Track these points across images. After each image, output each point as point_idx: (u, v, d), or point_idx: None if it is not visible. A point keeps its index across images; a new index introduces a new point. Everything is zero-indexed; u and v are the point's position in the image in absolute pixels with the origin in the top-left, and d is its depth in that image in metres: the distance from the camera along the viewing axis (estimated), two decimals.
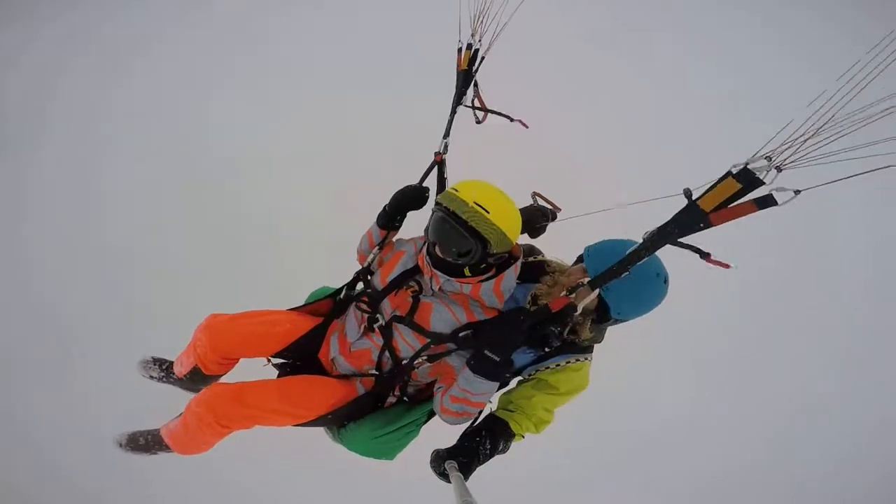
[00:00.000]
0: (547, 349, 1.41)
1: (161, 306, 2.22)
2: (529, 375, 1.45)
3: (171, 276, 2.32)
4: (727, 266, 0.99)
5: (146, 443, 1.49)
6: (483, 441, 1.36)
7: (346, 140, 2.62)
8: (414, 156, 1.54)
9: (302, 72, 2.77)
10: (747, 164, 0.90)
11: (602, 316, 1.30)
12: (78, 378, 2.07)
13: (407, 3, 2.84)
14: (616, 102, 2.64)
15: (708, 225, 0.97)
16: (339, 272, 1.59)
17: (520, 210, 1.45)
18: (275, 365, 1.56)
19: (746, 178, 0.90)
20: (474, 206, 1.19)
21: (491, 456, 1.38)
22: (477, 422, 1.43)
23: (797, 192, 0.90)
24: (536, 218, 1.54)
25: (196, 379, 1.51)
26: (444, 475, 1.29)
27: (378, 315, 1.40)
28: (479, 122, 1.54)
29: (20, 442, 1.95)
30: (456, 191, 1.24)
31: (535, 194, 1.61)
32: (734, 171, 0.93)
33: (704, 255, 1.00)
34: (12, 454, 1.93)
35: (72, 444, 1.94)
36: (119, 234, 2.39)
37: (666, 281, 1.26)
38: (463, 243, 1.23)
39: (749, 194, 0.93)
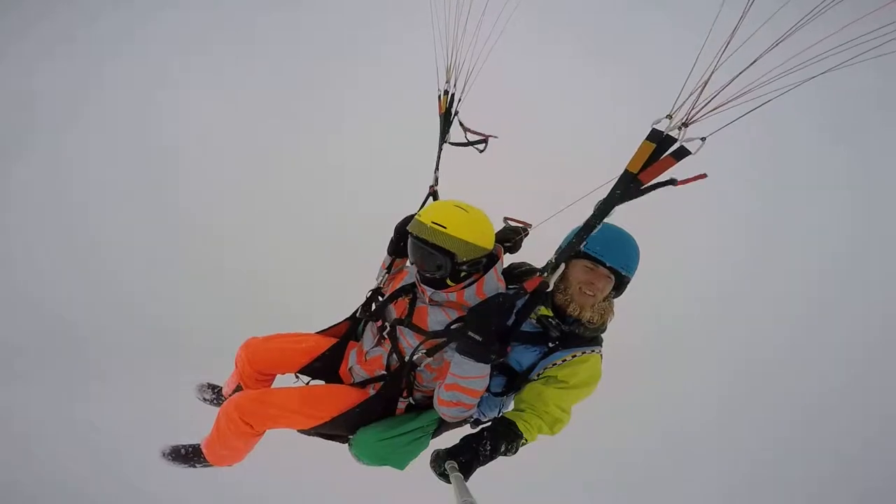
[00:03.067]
0: (550, 344, 1.44)
1: (158, 308, 2.44)
2: (538, 375, 1.45)
3: (171, 279, 2.56)
4: (702, 176, 1.05)
5: (187, 454, 1.65)
6: (484, 441, 1.34)
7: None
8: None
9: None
10: (653, 126, 1.05)
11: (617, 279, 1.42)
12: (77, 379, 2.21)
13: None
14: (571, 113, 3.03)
15: (639, 183, 1.09)
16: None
17: (495, 232, 1.61)
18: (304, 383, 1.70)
19: (655, 137, 1.04)
20: (432, 225, 1.37)
21: (492, 457, 1.34)
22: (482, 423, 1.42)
23: (703, 139, 1.02)
24: (509, 236, 1.69)
25: None
26: (444, 475, 1.27)
27: (386, 323, 1.55)
28: (481, 151, 1.77)
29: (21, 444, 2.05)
30: (419, 216, 1.42)
31: (505, 219, 1.78)
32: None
33: (674, 182, 1.08)
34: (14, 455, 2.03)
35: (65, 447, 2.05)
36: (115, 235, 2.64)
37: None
38: (432, 259, 1.38)
39: (669, 150, 1.06)
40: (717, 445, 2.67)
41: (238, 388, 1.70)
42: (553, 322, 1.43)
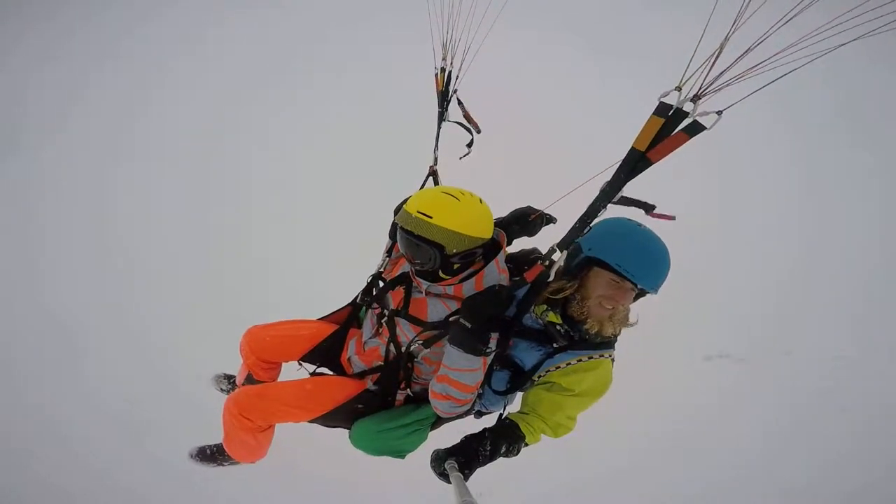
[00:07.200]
0: (555, 345, 1.36)
1: (165, 308, 2.46)
2: (539, 377, 1.37)
3: (176, 281, 2.57)
4: (671, 217, 1.03)
5: (212, 454, 1.67)
6: (484, 442, 1.28)
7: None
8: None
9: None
10: (660, 99, 0.97)
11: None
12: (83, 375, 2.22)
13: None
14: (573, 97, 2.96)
15: (647, 163, 1.01)
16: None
17: (512, 211, 1.55)
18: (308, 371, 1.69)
19: (663, 111, 0.96)
20: (417, 215, 1.26)
21: (493, 458, 1.28)
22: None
23: (720, 112, 0.94)
24: (525, 214, 1.54)
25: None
26: (444, 475, 1.22)
27: (385, 311, 1.50)
28: (470, 141, 1.76)
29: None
30: (406, 205, 1.32)
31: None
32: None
33: (649, 210, 1.06)
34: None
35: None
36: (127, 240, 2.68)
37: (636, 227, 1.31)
38: (419, 251, 1.29)
39: (680, 125, 0.98)
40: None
41: (249, 377, 1.68)
42: (561, 330, 1.32)
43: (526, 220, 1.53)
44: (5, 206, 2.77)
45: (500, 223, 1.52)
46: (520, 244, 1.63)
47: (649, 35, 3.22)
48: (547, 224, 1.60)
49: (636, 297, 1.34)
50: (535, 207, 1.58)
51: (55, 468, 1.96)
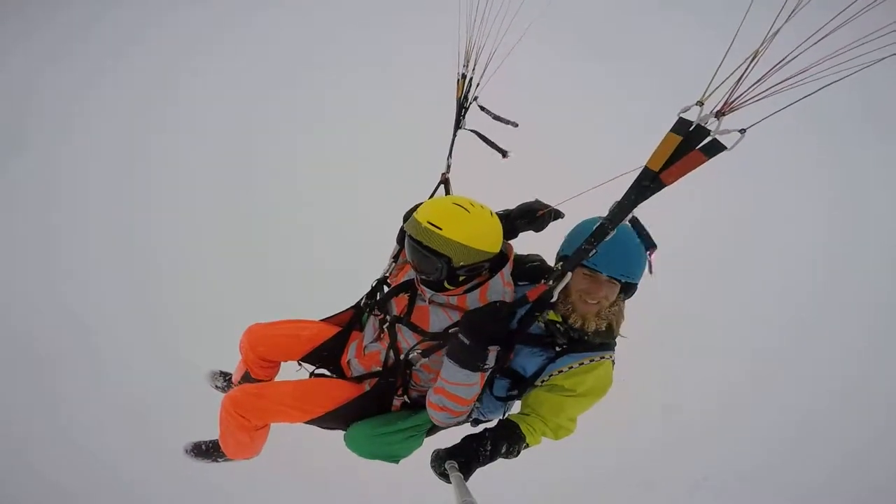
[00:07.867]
0: (557, 348, 1.37)
1: (185, 305, 2.53)
2: (542, 381, 1.39)
3: (198, 277, 2.64)
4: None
5: (207, 449, 1.73)
6: (484, 442, 1.32)
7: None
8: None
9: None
10: (680, 115, 0.90)
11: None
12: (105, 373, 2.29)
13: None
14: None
15: (659, 185, 0.96)
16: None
17: (520, 204, 1.51)
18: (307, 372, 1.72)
19: (682, 128, 0.90)
20: (427, 225, 1.24)
21: (493, 458, 1.32)
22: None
23: (742, 131, 0.87)
24: (533, 210, 1.51)
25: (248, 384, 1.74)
26: (444, 475, 1.26)
27: (387, 316, 1.51)
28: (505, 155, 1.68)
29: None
30: (416, 214, 1.30)
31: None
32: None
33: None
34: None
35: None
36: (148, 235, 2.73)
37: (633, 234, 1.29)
38: (426, 262, 1.28)
39: (699, 144, 0.92)
40: None
41: (246, 375, 1.72)
42: (561, 328, 1.33)
43: (534, 216, 1.50)
44: (20, 205, 2.81)
45: (507, 217, 1.49)
46: (525, 240, 1.58)
47: (667, 42, 3.01)
48: (555, 219, 1.55)
49: (627, 291, 1.34)
50: (544, 202, 1.54)
51: (68, 467, 2.05)
